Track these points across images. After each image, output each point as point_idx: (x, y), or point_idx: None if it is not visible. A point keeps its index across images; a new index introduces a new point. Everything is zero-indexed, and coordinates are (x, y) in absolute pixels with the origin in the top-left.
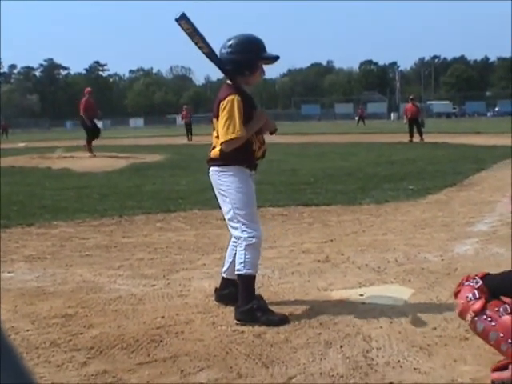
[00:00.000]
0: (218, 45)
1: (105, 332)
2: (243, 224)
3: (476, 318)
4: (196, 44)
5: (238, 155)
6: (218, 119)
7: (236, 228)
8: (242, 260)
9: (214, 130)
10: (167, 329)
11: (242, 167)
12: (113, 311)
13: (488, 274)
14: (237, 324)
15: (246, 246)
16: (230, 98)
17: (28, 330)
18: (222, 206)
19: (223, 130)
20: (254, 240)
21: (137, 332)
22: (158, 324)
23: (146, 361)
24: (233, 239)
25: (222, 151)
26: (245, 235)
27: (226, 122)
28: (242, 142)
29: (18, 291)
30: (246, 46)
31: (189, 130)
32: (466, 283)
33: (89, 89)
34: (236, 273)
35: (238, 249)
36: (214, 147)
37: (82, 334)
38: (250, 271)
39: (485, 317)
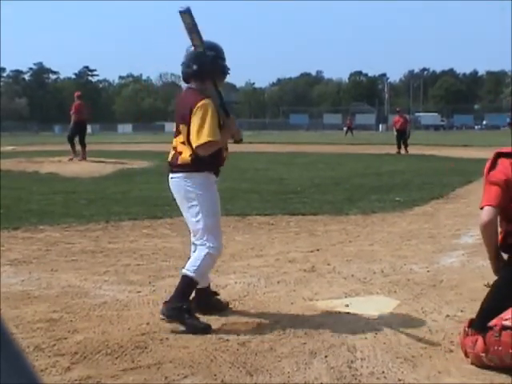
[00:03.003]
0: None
1: (89, 337)
2: (209, 233)
3: (484, 355)
4: (192, 41)
5: (208, 160)
6: (186, 124)
7: (201, 235)
8: (196, 264)
9: (178, 134)
10: (152, 335)
11: (211, 173)
12: (98, 317)
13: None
14: (221, 330)
15: (207, 253)
16: (203, 102)
17: (12, 334)
18: (186, 213)
19: (199, 133)
20: (214, 251)
21: (121, 338)
22: (142, 330)
23: (131, 367)
24: (193, 247)
25: (192, 157)
26: (209, 243)
27: (200, 126)
28: (217, 146)
29: (3, 295)
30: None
31: None
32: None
33: (79, 92)
34: (184, 271)
35: (197, 252)
36: (179, 153)
37: (66, 339)
38: (198, 278)
39: (491, 349)
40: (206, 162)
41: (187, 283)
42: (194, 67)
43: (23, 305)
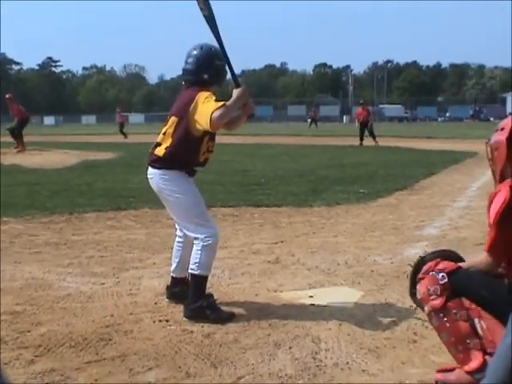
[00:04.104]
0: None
1: (53, 330)
2: (198, 224)
3: (433, 314)
4: (198, 4)
5: (180, 157)
6: (178, 116)
7: (191, 230)
8: (197, 260)
9: (164, 126)
10: (116, 327)
11: (182, 172)
12: (61, 309)
13: (457, 270)
14: (185, 321)
15: (202, 246)
16: (203, 91)
17: None
18: (169, 210)
19: (208, 104)
20: (211, 240)
21: (85, 330)
22: (106, 322)
23: (95, 359)
24: (177, 239)
25: (167, 150)
26: (202, 236)
27: (207, 101)
28: (230, 114)
29: None
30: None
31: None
32: (432, 273)
33: (9, 95)
34: (189, 271)
35: (194, 248)
36: (159, 144)
37: (29, 331)
38: (204, 272)
39: (441, 315)
40: (177, 159)
41: (196, 281)
42: (205, 76)
43: None
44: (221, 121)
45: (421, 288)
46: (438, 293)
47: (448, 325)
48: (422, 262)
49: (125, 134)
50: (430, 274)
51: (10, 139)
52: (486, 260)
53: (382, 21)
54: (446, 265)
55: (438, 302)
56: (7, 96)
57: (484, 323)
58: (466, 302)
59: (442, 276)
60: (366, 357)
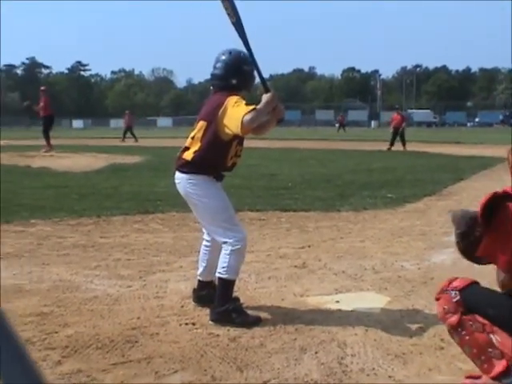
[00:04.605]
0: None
1: (80, 331)
2: (226, 229)
3: (452, 331)
4: (225, 9)
5: (208, 162)
6: (206, 120)
7: (220, 234)
8: (225, 264)
9: (193, 131)
10: (142, 330)
11: (210, 177)
12: (88, 311)
13: (470, 285)
14: (211, 325)
15: (231, 250)
16: (232, 96)
17: (16, 334)
18: (196, 214)
19: (239, 108)
20: (239, 244)
21: (112, 332)
22: (133, 325)
23: (121, 361)
24: (205, 242)
25: (195, 154)
26: (230, 240)
27: (237, 105)
28: (261, 118)
29: None
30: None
31: (126, 132)
32: (446, 292)
33: (44, 87)
34: (217, 275)
35: (222, 252)
36: (187, 148)
37: (57, 332)
38: (232, 277)
39: (460, 330)
40: (205, 164)
41: (224, 285)
42: (234, 82)
43: (14, 298)
44: (251, 124)
45: (438, 308)
46: (453, 310)
47: (467, 338)
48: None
49: (135, 137)
50: (445, 293)
51: (38, 142)
52: (502, 275)
53: (411, 25)
54: (459, 282)
55: (453, 319)
56: (42, 88)
57: (498, 337)
58: (480, 317)
59: (455, 294)
60: (393, 363)
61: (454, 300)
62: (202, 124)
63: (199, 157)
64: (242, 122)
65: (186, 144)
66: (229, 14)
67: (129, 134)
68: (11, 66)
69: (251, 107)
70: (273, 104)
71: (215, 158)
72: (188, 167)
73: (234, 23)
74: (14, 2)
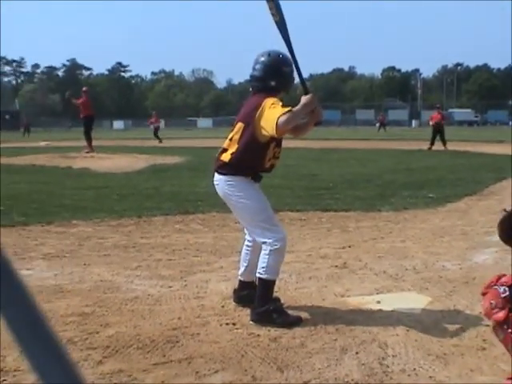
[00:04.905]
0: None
1: (121, 331)
2: (266, 229)
3: (497, 327)
4: (270, 9)
5: (246, 163)
6: (244, 122)
7: (259, 234)
8: (264, 264)
9: (231, 132)
10: (183, 330)
11: (247, 178)
12: (129, 311)
13: None
14: (252, 325)
15: (270, 250)
16: (270, 97)
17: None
18: (236, 215)
19: (275, 110)
20: (279, 244)
21: (153, 332)
22: (174, 325)
23: (162, 361)
24: (246, 243)
25: (232, 156)
26: (270, 240)
27: (274, 107)
28: (297, 119)
29: (36, 289)
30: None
31: (157, 133)
32: (495, 287)
33: (86, 88)
34: (257, 275)
35: (262, 252)
36: (225, 149)
37: (98, 332)
38: (272, 277)
39: (505, 327)
40: (243, 165)
41: (264, 285)
42: (273, 83)
43: (56, 299)
44: (286, 126)
45: (484, 303)
46: (500, 306)
47: None
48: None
49: (159, 139)
50: (493, 288)
51: (79, 144)
52: None
53: (452, 23)
54: (508, 278)
55: (500, 314)
56: (84, 89)
57: None
58: None
59: (504, 289)
60: (434, 363)
61: (503, 295)
62: (239, 126)
63: (237, 158)
64: (276, 123)
65: (224, 145)
66: (273, 14)
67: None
68: (52, 68)
69: (287, 109)
70: (311, 106)
71: (253, 160)
72: (226, 168)
73: (277, 22)
74: (53, 3)
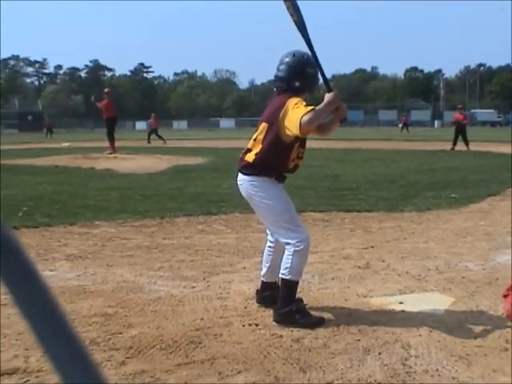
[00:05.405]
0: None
1: (144, 332)
2: (289, 230)
3: None
4: (287, 9)
5: (270, 164)
6: (269, 122)
7: (282, 235)
8: (288, 265)
9: (255, 132)
10: (206, 331)
11: (271, 178)
12: (152, 312)
13: None
14: (275, 326)
15: (294, 251)
16: (293, 97)
17: (77, 336)
18: (259, 215)
19: (298, 110)
20: (302, 245)
21: (176, 333)
22: (196, 326)
23: (185, 362)
24: (269, 243)
25: (257, 156)
26: (293, 241)
27: (297, 107)
28: (321, 118)
29: (59, 289)
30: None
31: (152, 133)
32: None
33: (108, 89)
34: (280, 276)
35: (285, 252)
36: (249, 150)
37: (121, 333)
38: (295, 277)
39: None
40: (267, 166)
41: (287, 286)
42: (297, 84)
43: (79, 299)
44: (310, 125)
45: (505, 305)
46: None
47: None
48: None
49: (162, 138)
50: None
51: (102, 144)
52: None
53: (475, 24)
54: None
55: None
56: (106, 90)
57: None
58: None
59: None
60: (457, 364)
61: None
62: (263, 126)
63: (261, 159)
64: (300, 123)
65: (248, 146)
66: (291, 14)
67: (154, 136)
68: (75, 69)
69: (310, 108)
70: (335, 104)
71: (277, 160)
72: (250, 169)
73: (296, 22)
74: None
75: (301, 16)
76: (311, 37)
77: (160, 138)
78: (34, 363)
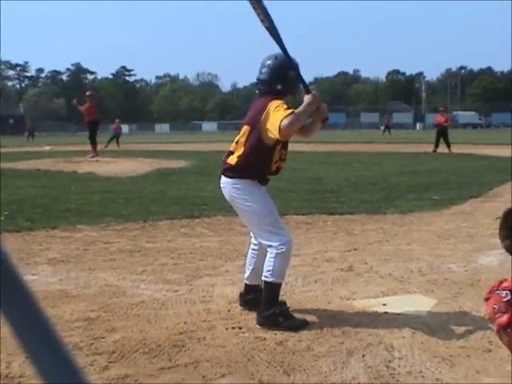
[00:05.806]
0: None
1: (127, 336)
2: (272, 232)
3: (502, 331)
4: (258, 15)
5: (252, 166)
6: (250, 125)
7: (265, 238)
8: (270, 268)
9: (237, 135)
10: (189, 334)
11: (254, 181)
12: (135, 316)
13: None
14: (258, 328)
15: (276, 254)
16: (275, 100)
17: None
18: (242, 218)
19: (278, 113)
20: (284, 248)
21: (159, 337)
22: (180, 329)
23: (168, 366)
24: (252, 246)
25: (239, 159)
26: (275, 243)
27: (278, 110)
28: (301, 120)
29: (41, 294)
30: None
31: (114, 138)
32: (497, 291)
33: (90, 92)
34: (263, 279)
35: (267, 255)
36: (231, 152)
37: (104, 337)
38: (277, 280)
39: (509, 330)
40: (249, 168)
41: (270, 288)
42: (279, 87)
43: (61, 304)
44: (290, 128)
45: (487, 308)
46: (503, 310)
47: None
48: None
49: (118, 143)
50: (495, 292)
51: (84, 148)
52: None
53: (455, 26)
54: (509, 283)
55: (503, 318)
56: (88, 93)
57: None
58: None
59: (506, 293)
60: (440, 365)
61: (505, 299)
62: (245, 128)
63: (243, 161)
64: (279, 126)
65: (231, 148)
66: (262, 20)
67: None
68: (56, 72)
69: (289, 111)
70: (315, 105)
71: (259, 163)
72: (232, 171)
73: (267, 28)
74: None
75: (271, 21)
76: (294, 39)
77: (117, 142)
78: (16, 368)
